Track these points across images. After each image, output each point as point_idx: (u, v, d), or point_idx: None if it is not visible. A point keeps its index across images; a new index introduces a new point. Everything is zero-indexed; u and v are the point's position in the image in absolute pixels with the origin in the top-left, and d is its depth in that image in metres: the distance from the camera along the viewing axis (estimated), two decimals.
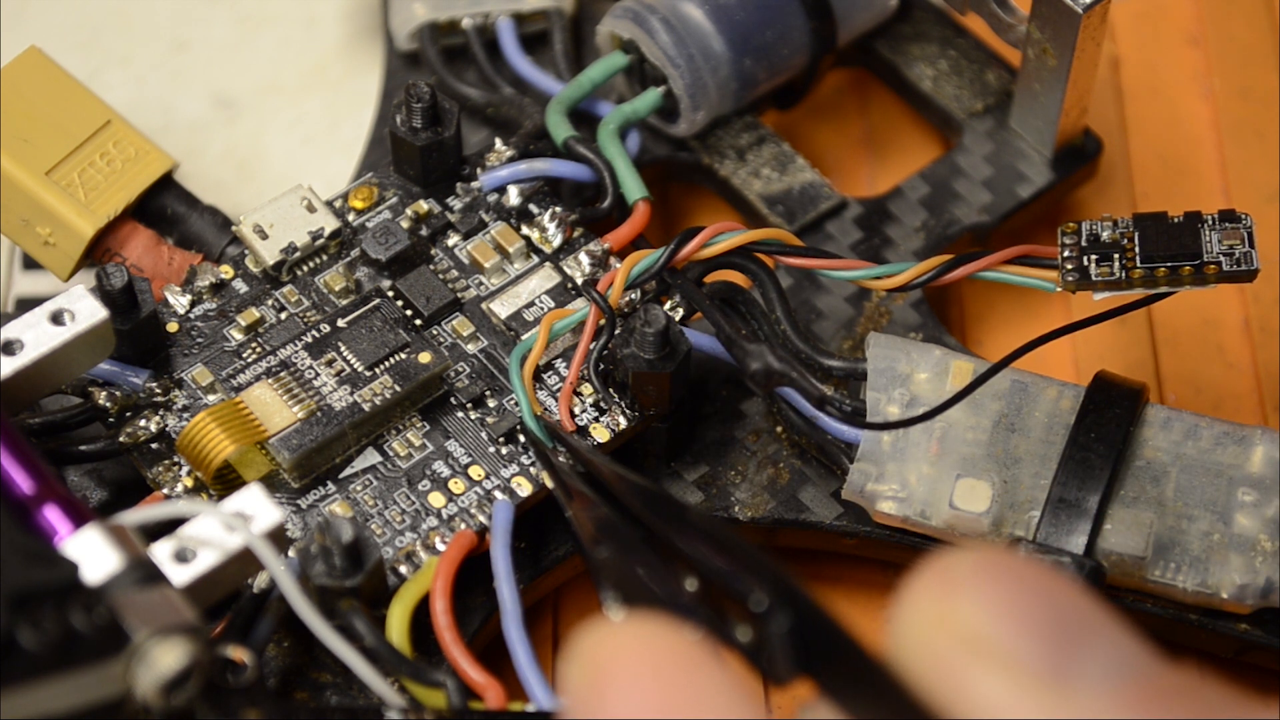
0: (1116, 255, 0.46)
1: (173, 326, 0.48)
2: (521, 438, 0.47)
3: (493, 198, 0.50)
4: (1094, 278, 0.46)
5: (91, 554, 0.39)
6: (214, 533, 0.40)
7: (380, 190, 0.50)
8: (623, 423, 0.47)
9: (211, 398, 0.47)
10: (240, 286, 0.49)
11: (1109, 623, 0.28)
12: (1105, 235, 0.46)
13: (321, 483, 0.46)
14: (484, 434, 0.47)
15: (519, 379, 0.46)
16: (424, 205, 0.50)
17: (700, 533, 0.34)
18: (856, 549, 0.48)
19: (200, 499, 0.45)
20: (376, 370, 0.47)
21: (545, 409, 0.47)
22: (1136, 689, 0.27)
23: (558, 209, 0.50)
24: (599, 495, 0.41)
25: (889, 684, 0.28)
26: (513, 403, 0.47)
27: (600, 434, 0.46)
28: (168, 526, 0.41)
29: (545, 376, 0.47)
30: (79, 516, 0.40)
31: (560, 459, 0.44)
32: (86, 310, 0.43)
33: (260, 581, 0.43)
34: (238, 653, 0.40)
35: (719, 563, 0.32)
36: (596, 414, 0.47)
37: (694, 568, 0.33)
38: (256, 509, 0.41)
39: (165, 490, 0.45)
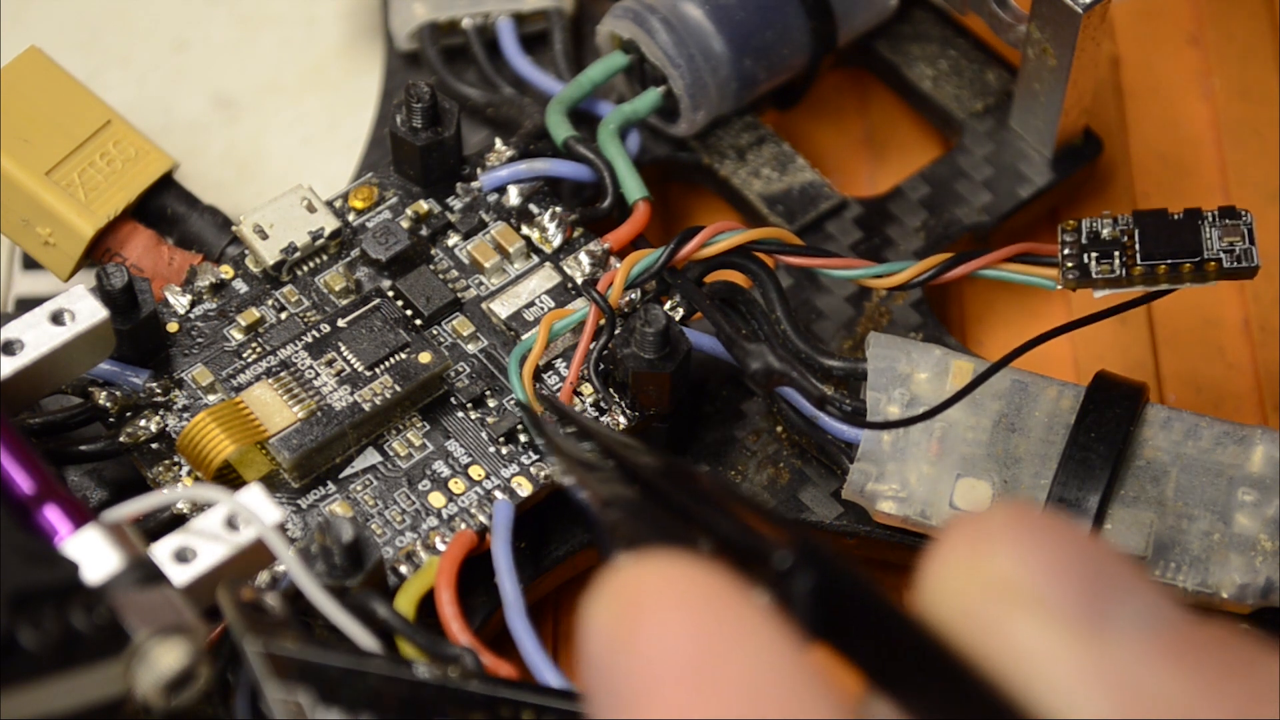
0: (1117, 253, 0.46)
1: (173, 326, 0.48)
2: (523, 436, 0.47)
3: (493, 198, 0.50)
4: (1094, 275, 0.46)
5: (91, 554, 0.39)
6: (215, 532, 0.40)
7: (380, 190, 0.50)
8: (623, 423, 0.47)
9: (211, 398, 0.47)
10: (240, 286, 0.49)
11: (1140, 576, 0.28)
12: (1105, 233, 0.46)
13: (321, 483, 0.46)
14: (484, 434, 0.47)
15: (519, 379, 0.46)
16: (424, 205, 0.50)
17: (716, 498, 0.33)
18: (856, 549, 0.48)
19: (214, 487, 0.44)
20: (376, 370, 0.47)
21: (545, 409, 0.47)
22: (1172, 637, 0.27)
23: (558, 209, 0.50)
24: (609, 469, 0.41)
25: (920, 639, 0.28)
26: (513, 402, 0.47)
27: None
28: (168, 526, 0.41)
29: (545, 376, 0.47)
30: (79, 516, 0.40)
31: (563, 434, 0.44)
32: (86, 310, 0.43)
33: (261, 582, 0.43)
34: (271, 600, 0.40)
35: (735, 527, 0.31)
36: (596, 414, 0.47)
37: (709, 532, 0.31)
38: (256, 509, 0.41)
39: (166, 491, 0.45)
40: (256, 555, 0.41)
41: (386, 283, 0.49)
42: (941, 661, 0.27)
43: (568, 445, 0.42)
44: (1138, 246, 0.46)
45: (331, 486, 0.46)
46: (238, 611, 0.39)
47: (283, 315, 0.48)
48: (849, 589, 0.29)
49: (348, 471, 0.46)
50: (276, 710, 0.38)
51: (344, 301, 0.48)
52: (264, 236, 0.48)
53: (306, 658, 0.38)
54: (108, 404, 0.46)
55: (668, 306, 0.48)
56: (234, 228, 0.49)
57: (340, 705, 0.38)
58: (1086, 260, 0.46)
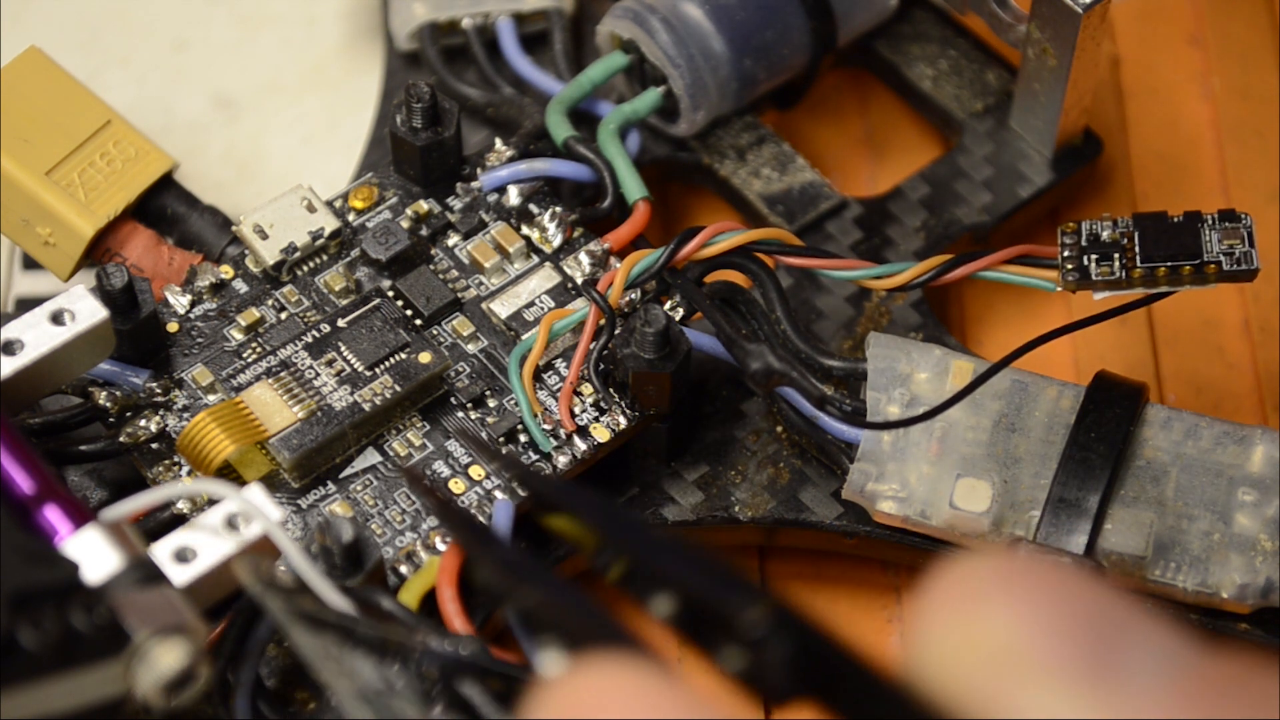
0: (1117, 255, 0.46)
1: (173, 326, 0.48)
2: (523, 436, 0.47)
3: (493, 198, 0.50)
4: (1094, 277, 0.46)
5: (91, 554, 0.39)
6: (215, 532, 0.40)
7: (380, 190, 0.50)
8: (623, 423, 0.47)
9: (211, 398, 0.47)
10: (240, 286, 0.49)
11: (1144, 618, 0.26)
12: (1105, 235, 0.46)
13: (321, 483, 0.46)
14: (484, 434, 0.47)
15: (519, 379, 0.46)
16: (424, 205, 0.50)
17: (674, 554, 0.31)
18: (856, 549, 0.48)
19: (216, 481, 0.44)
20: (376, 370, 0.47)
21: (545, 409, 0.47)
22: (1187, 684, 0.26)
23: (558, 209, 0.50)
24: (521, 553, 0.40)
25: (915, 711, 0.26)
26: (513, 403, 0.47)
27: (600, 434, 0.46)
28: (168, 526, 0.41)
29: (545, 376, 0.47)
30: (79, 516, 0.40)
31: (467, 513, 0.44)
32: (86, 310, 0.43)
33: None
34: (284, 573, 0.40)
35: (698, 584, 0.30)
36: (596, 414, 0.47)
37: (670, 588, 0.30)
38: (258, 505, 0.41)
39: (166, 486, 0.45)
40: (257, 554, 0.41)
41: (386, 283, 0.49)
42: None
43: (470, 520, 0.42)
44: (1137, 249, 0.46)
45: (331, 486, 0.46)
46: (257, 577, 0.39)
47: (283, 315, 0.48)
48: (827, 655, 0.28)
49: (348, 471, 0.46)
50: (307, 651, 0.38)
51: (344, 301, 0.48)
52: (264, 236, 0.48)
53: (325, 617, 0.38)
54: (108, 404, 0.46)
55: (668, 306, 0.48)
56: (234, 228, 0.49)
57: (364, 649, 0.38)
58: (1086, 262, 0.46)
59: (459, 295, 0.49)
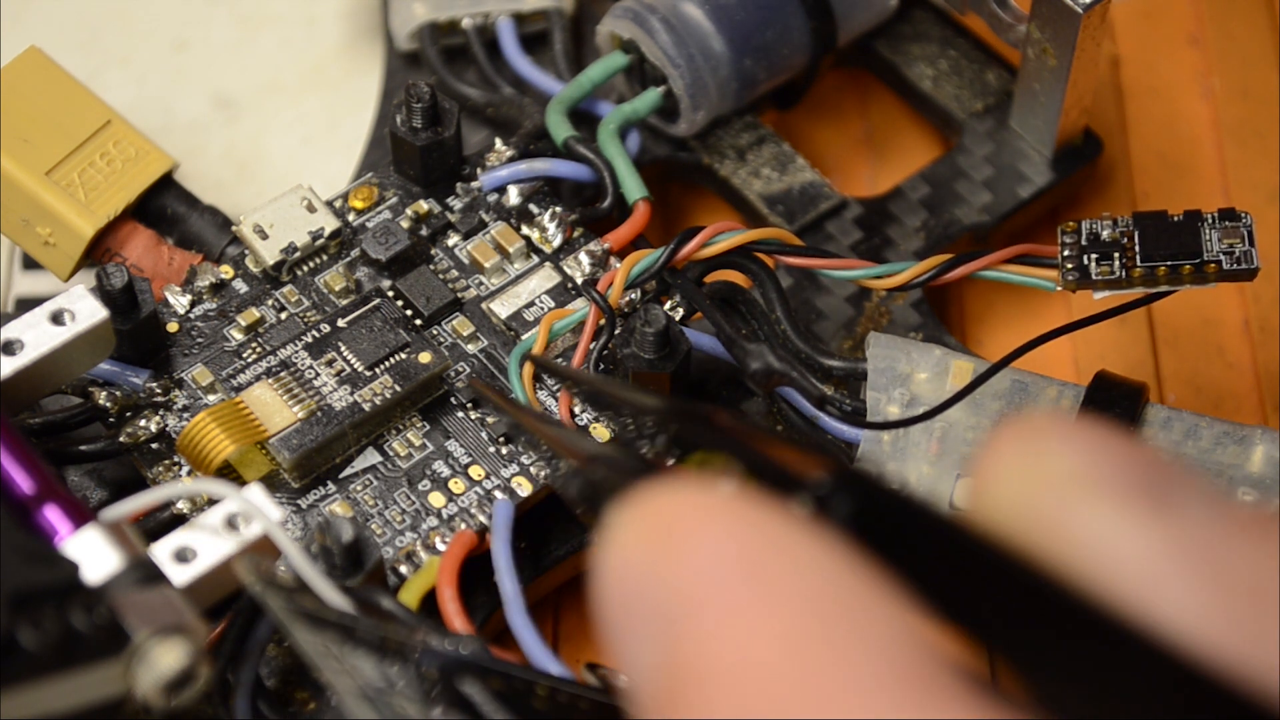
0: (1117, 254, 0.46)
1: (173, 326, 0.48)
2: (523, 437, 0.46)
3: (493, 198, 0.50)
4: (1094, 277, 0.46)
5: (91, 554, 0.39)
6: (215, 532, 0.40)
7: (380, 190, 0.50)
8: None
9: (211, 398, 0.47)
10: (240, 286, 0.49)
11: (1191, 469, 0.27)
12: (1105, 234, 0.46)
13: (321, 483, 0.46)
14: (484, 434, 0.47)
15: (519, 379, 0.46)
16: (424, 205, 0.50)
17: (738, 435, 0.31)
18: None
19: (216, 480, 0.44)
20: (376, 370, 0.47)
21: (545, 409, 0.47)
22: (1242, 514, 0.26)
23: (558, 209, 0.50)
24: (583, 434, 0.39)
25: (974, 546, 0.26)
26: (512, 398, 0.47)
27: (601, 434, 0.46)
28: (168, 526, 0.41)
29: (545, 376, 0.47)
30: (79, 516, 0.40)
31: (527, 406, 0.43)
32: (86, 310, 0.43)
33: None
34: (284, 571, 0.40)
35: (762, 458, 0.29)
36: (596, 414, 0.47)
37: (735, 464, 0.29)
38: (259, 504, 0.41)
39: (166, 486, 0.45)
40: (256, 554, 0.41)
41: (386, 283, 0.49)
42: (1002, 566, 0.26)
43: (536, 416, 0.42)
44: (1137, 248, 0.46)
45: (331, 486, 0.46)
46: (259, 576, 0.39)
47: (283, 315, 0.48)
48: (892, 510, 0.27)
49: (348, 471, 0.46)
50: (308, 648, 0.38)
51: (344, 301, 0.48)
52: (264, 236, 0.48)
53: (326, 616, 0.38)
54: (108, 404, 0.46)
55: (668, 306, 0.48)
56: (234, 228, 0.49)
57: (365, 648, 0.38)
58: (1086, 261, 0.46)
59: (459, 295, 0.49)
